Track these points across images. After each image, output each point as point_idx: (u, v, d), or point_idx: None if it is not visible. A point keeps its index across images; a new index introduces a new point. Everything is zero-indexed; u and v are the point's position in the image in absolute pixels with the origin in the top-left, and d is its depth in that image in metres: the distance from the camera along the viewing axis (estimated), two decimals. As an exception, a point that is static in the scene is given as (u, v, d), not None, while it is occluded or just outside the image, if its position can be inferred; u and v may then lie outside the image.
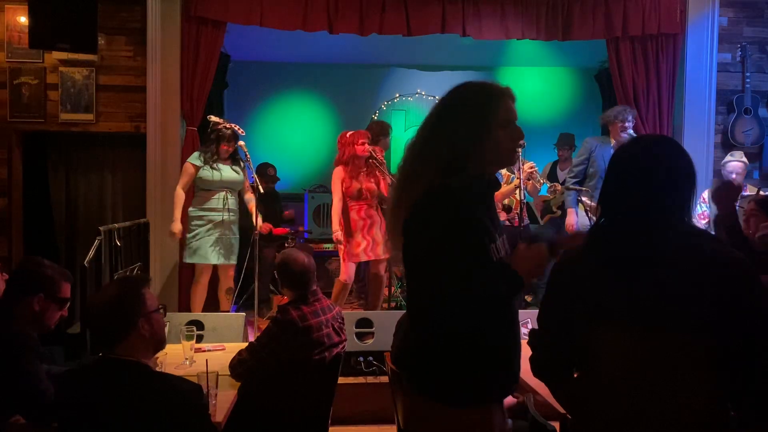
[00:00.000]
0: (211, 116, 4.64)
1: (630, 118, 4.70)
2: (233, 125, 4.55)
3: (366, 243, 4.64)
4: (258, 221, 4.52)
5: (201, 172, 4.47)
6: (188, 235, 4.49)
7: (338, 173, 4.68)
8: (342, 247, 4.65)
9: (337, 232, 4.63)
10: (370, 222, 4.68)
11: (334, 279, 4.85)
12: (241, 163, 4.62)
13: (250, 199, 4.69)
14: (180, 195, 4.50)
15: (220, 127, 4.51)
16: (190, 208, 4.55)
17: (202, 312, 4.39)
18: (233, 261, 4.61)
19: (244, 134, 4.60)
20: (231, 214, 4.54)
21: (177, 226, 4.46)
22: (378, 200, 4.76)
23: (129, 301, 1.85)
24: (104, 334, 1.84)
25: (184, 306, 4.81)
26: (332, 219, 4.73)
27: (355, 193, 4.62)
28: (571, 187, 4.79)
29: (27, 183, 5.13)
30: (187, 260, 4.56)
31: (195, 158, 4.52)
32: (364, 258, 4.66)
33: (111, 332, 1.82)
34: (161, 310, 1.95)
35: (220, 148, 4.49)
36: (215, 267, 4.58)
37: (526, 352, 1.68)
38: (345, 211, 4.67)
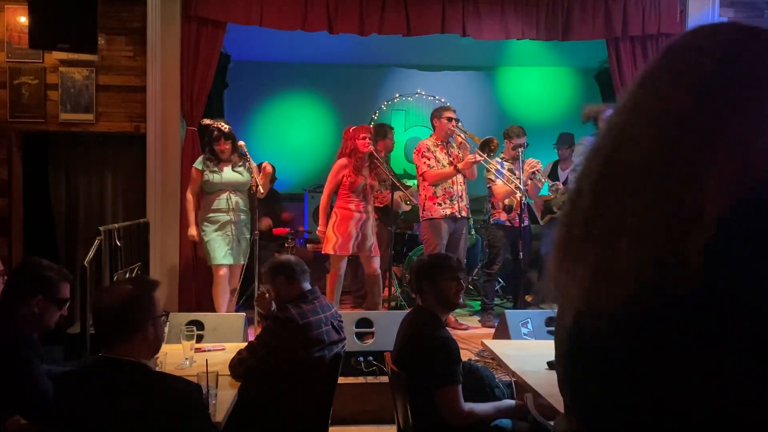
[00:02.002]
0: (204, 119, 4.70)
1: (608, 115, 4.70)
2: (219, 124, 4.53)
3: (356, 236, 4.67)
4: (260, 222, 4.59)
5: (206, 176, 4.49)
6: (203, 239, 4.53)
7: (341, 163, 4.70)
8: (324, 239, 4.69)
9: (321, 231, 4.73)
10: (366, 217, 4.72)
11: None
12: (246, 163, 4.61)
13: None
14: (190, 199, 4.57)
15: (211, 127, 4.52)
16: (199, 212, 4.59)
17: (225, 312, 4.43)
18: (242, 261, 4.62)
19: (227, 130, 4.53)
20: (237, 214, 4.54)
21: (192, 230, 4.53)
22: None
23: (143, 302, 1.85)
24: (112, 331, 1.83)
25: (184, 306, 4.82)
26: (319, 215, 4.77)
27: (359, 188, 4.65)
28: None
29: (27, 183, 5.13)
30: (213, 263, 4.54)
31: (198, 163, 4.56)
32: (352, 251, 4.70)
33: (119, 330, 1.81)
34: (164, 317, 1.95)
35: (215, 149, 4.50)
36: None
37: (526, 356, 1.68)
38: (342, 203, 4.70)
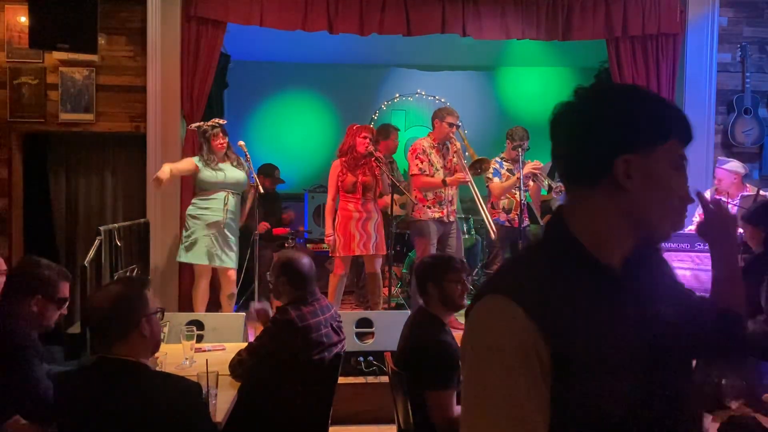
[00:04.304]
0: (191, 124, 4.70)
1: None
2: (215, 120, 4.55)
3: (359, 237, 4.64)
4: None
5: (203, 173, 4.44)
6: (184, 234, 4.48)
7: (335, 167, 4.71)
8: (333, 243, 4.67)
9: (330, 237, 4.66)
10: (366, 216, 4.68)
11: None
12: (243, 162, 4.61)
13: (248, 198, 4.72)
14: (165, 170, 4.29)
15: (203, 127, 4.52)
16: (189, 207, 4.52)
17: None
18: (232, 264, 4.54)
19: (225, 123, 4.57)
20: (229, 215, 4.49)
21: (164, 172, 4.24)
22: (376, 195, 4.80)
23: (133, 300, 1.86)
24: (106, 331, 1.83)
25: (184, 306, 4.81)
26: (326, 220, 4.74)
27: (350, 186, 4.63)
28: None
29: (27, 183, 5.13)
30: (180, 259, 4.52)
31: (196, 159, 4.51)
32: (357, 252, 4.67)
33: (113, 330, 1.82)
34: (159, 313, 1.95)
35: (212, 145, 4.46)
36: (215, 270, 4.56)
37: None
38: (342, 204, 4.69)
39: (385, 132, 5.61)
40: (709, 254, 1.35)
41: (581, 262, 1.01)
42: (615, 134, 1.00)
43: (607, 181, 0.99)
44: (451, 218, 4.86)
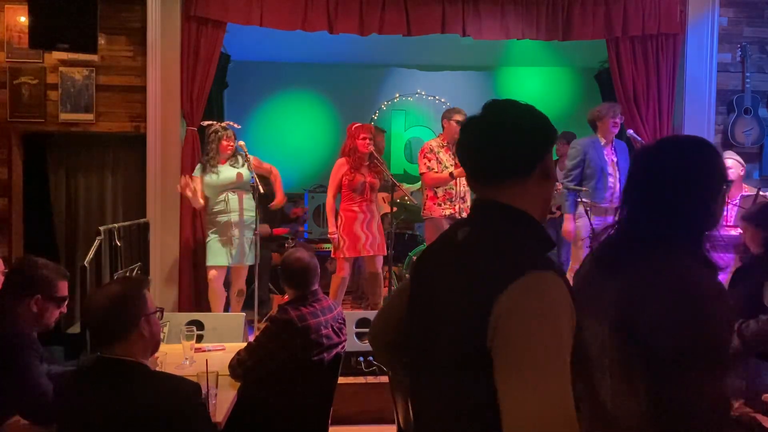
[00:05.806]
0: (203, 122, 4.75)
1: (620, 114, 4.75)
2: (227, 122, 4.62)
3: (366, 238, 4.66)
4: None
5: (204, 179, 4.50)
6: (207, 240, 4.56)
7: (339, 165, 4.72)
8: (337, 242, 4.67)
9: (334, 234, 4.68)
10: (370, 216, 4.71)
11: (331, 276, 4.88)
12: (240, 160, 4.62)
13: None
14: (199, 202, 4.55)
15: (215, 127, 4.55)
16: (204, 215, 4.62)
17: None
18: (247, 262, 4.60)
19: (239, 127, 4.66)
20: (237, 214, 4.52)
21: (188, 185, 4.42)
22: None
23: (132, 299, 1.86)
24: (105, 331, 1.83)
25: (184, 306, 4.81)
26: (327, 218, 4.76)
27: (359, 186, 4.64)
28: (571, 187, 4.77)
29: (27, 183, 5.13)
30: (207, 263, 4.57)
31: (196, 171, 4.57)
32: (363, 253, 4.69)
33: (112, 330, 1.82)
34: (159, 314, 1.96)
35: (221, 146, 4.50)
36: (228, 269, 4.59)
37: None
38: (346, 205, 4.69)
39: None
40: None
41: (548, 239, 1.28)
42: (544, 137, 1.31)
43: (536, 173, 1.28)
44: (464, 214, 4.85)
